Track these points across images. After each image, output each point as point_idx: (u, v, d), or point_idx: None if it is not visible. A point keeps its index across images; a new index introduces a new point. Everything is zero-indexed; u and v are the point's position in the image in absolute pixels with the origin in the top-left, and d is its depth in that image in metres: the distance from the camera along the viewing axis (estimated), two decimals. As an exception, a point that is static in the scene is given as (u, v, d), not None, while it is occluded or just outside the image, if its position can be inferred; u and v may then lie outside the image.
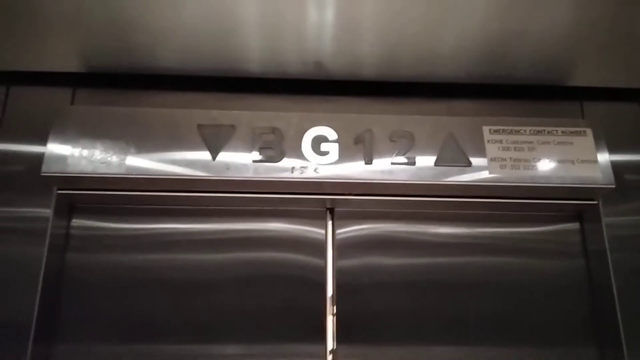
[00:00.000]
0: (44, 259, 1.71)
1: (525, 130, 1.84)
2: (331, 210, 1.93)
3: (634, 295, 1.77)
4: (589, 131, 1.84)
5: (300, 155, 1.77)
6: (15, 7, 1.58)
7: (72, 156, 1.73)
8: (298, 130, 1.80)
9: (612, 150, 1.84)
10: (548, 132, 1.84)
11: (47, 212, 1.76)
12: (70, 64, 1.87)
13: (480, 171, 1.78)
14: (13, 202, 1.77)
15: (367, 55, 1.81)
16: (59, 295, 1.78)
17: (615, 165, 1.83)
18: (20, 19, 1.64)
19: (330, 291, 1.83)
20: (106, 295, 1.80)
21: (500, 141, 1.82)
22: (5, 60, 1.85)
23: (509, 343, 1.81)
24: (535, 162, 1.80)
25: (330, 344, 1.77)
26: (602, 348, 1.81)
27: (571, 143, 1.82)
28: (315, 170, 1.75)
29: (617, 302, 1.76)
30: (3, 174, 1.80)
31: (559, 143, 1.82)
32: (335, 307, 1.81)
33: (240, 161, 1.75)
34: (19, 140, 1.84)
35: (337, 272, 1.84)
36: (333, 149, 1.78)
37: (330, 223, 1.92)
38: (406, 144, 1.80)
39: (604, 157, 1.81)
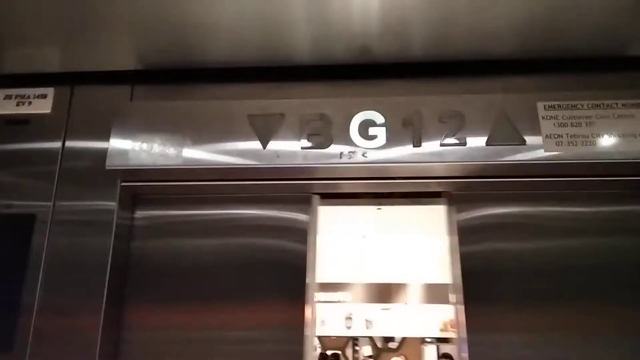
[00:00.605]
0: (111, 247, 1.82)
1: (582, 105, 1.76)
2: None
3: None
4: (652, 104, 1.74)
5: (349, 141, 1.78)
6: (75, 13, 1.68)
7: (133, 150, 1.83)
8: (345, 115, 1.81)
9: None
10: (607, 106, 1.75)
11: (113, 203, 1.87)
12: (128, 63, 1.97)
13: (535, 149, 1.72)
14: (82, 196, 1.89)
15: (415, 35, 1.79)
16: (125, 279, 1.89)
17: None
18: (81, 23, 1.75)
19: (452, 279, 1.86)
20: (168, 276, 1.90)
21: (556, 117, 1.75)
22: (69, 62, 1.98)
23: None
24: (594, 137, 1.72)
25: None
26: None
27: (632, 116, 1.73)
28: (363, 154, 1.76)
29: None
30: (71, 169, 1.93)
31: (619, 116, 1.73)
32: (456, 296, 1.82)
33: (289, 149, 1.79)
34: (84, 137, 1.96)
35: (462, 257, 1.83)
36: (381, 132, 1.78)
37: (317, 208, 1.96)
38: (456, 125, 1.77)
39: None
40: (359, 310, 6.46)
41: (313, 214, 1.94)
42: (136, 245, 1.94)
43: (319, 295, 6.37)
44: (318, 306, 6.90)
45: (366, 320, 6.38)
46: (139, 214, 1.98)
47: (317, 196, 1.97)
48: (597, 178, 1.79)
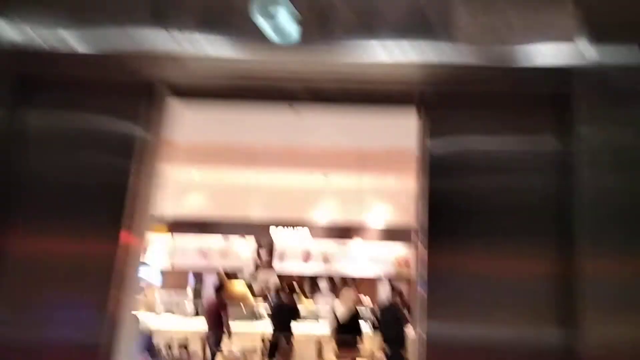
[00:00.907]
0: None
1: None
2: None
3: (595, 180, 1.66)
4: (569, 3, 1.67)
5: (250, 26, 1.68)
6: None
7: (18, 33, 1.72)
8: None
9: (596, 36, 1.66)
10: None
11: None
12: None
13: (446, 43, 1.67)
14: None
15: None
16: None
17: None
18: None
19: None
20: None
21: (473, 12, 1.68)
22: None
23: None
24: (511, 34, 1.66)
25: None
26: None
27: (548, 17, 1.66)
28: (272, 50, 1.69)
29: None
30: None
31: (541, 15, 1.66)
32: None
33: (191, 36, 1.71)
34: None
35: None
36: (292, 26, 1.70)
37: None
38: (368, 17, 1.70)
39: (584, 37, 1.65)
40: (316, 247, 6.54)
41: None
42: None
43: (276, 230, 6.45)
44: (276, 242, 6.94)
45: (323, 257, 6.49)
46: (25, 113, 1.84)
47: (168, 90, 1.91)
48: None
